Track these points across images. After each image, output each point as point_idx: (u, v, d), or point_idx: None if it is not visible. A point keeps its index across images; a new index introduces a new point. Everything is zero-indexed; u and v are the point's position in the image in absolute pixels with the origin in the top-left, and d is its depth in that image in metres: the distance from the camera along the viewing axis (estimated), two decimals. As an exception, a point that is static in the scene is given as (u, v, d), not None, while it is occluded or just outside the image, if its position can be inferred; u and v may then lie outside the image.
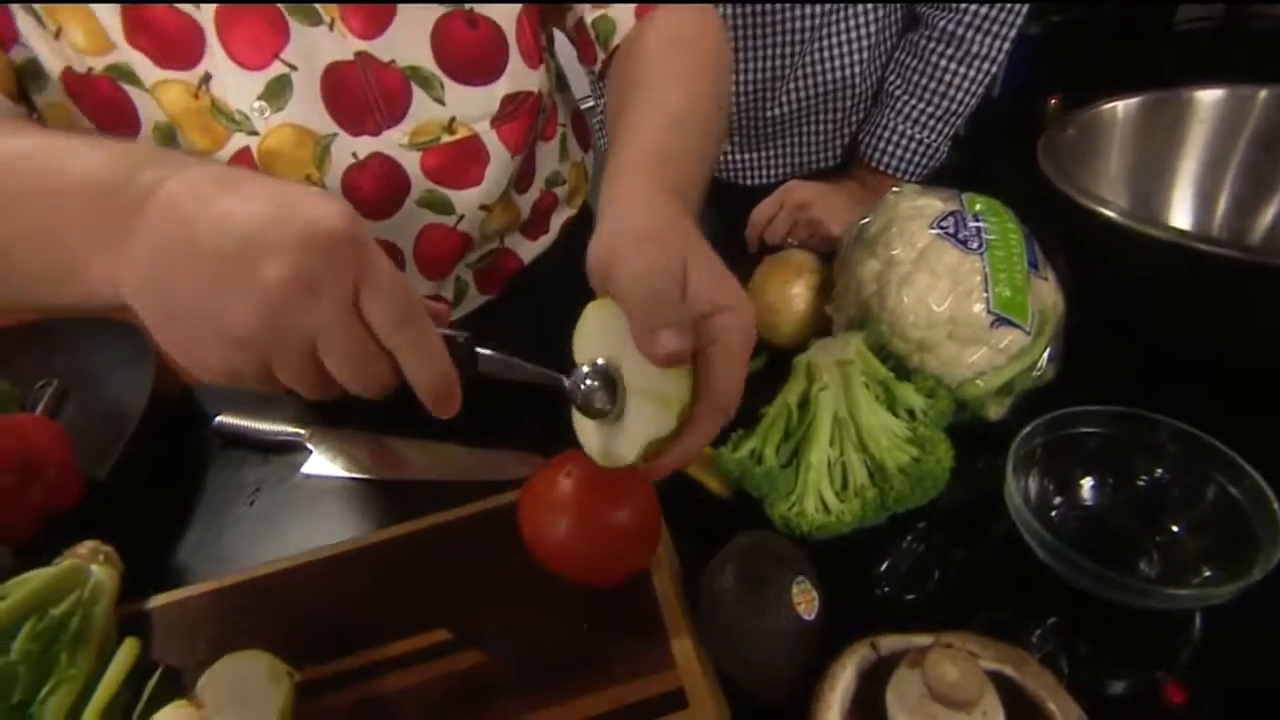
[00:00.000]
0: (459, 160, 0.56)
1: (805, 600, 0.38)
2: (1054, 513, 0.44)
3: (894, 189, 0.56)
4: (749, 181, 0.86)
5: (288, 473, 0.64)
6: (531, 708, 0.38)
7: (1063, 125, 0.58)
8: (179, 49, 0.46)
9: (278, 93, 0.48)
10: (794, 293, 0.61)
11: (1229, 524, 0.39)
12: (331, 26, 0.48)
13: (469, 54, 0.52)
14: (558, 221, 0.70)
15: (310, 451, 0.65)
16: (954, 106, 0.73)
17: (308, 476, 0.63)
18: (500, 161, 0.57)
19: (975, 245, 0.49)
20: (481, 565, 0.47)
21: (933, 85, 0.72)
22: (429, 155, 0.54)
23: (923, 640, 0.35)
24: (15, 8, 0.44)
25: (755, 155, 0.83)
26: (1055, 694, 0.32)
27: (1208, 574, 0.38)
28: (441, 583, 0.47)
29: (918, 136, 0.74)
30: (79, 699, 0.41)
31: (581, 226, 0.73)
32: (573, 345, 0.37)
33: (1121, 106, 0.59)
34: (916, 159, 0.75)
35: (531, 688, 0.39)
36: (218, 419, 0.69)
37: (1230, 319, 0.48)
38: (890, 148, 0.75)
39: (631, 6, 0.54)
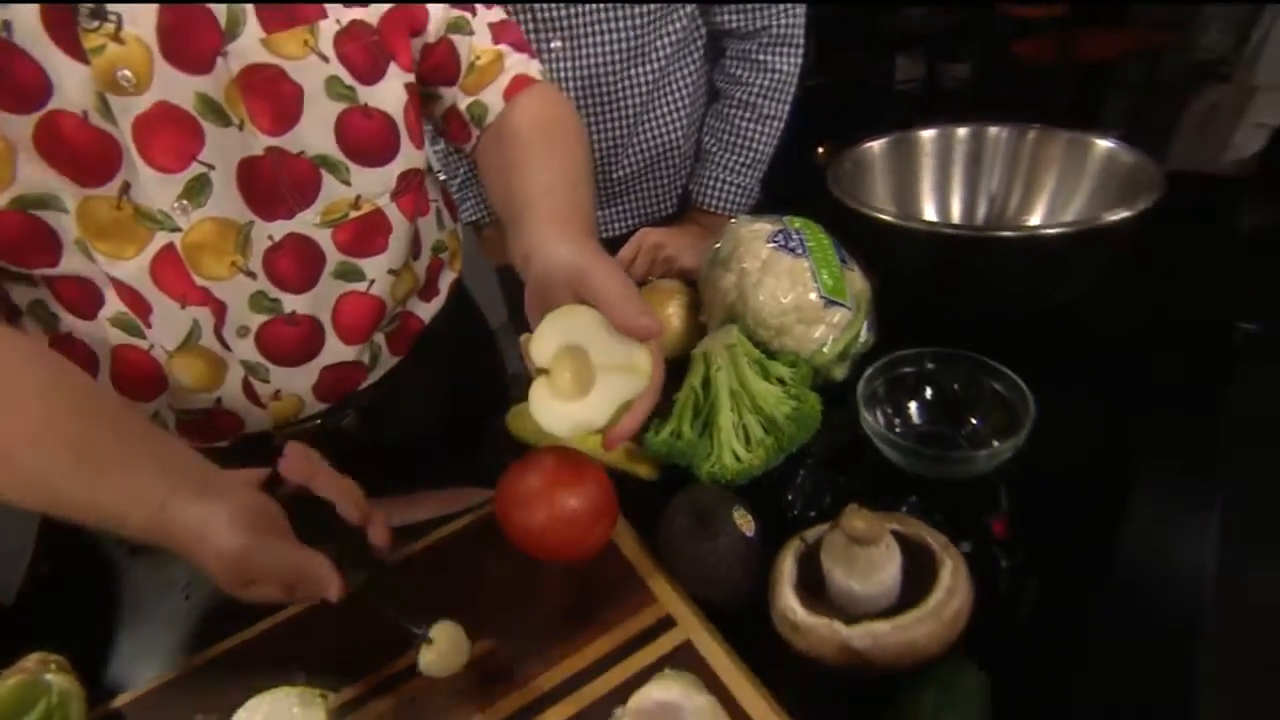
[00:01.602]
0: (366, 232, 0.62)
1: (745, 523, 0.49)
2: (895, 432, 0.60)
3: (731, 221, 0.72)
4: (604, 234, 0.99)
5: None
6: (550, 665, 0.45)
7: (841, 161, 0.77)
8: (97, 164, 0.48)
9: (197, 191, 0.51)
10: (670, 312, 0.73)
11: (1003, 411, 0.56)
12: (241, 127, 0.52)
13: (368, 141, 0.59)
14: (445, 283, 0.78)
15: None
16: (757, 157, 0.92)
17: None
18: (401, 229, 0.64)
19: (800, 251, 0.65)
20: (463, 577, 0.53)
21: (739, 142, 0.91)
22: (340, 231, 0.60)
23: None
24: None
25: (607, 211, 0.97)
26: (931, 534, 0.45)
27: (995, 444, 0.54)
28: (429, 600, 0.51)
29: (735, 182, 0.92)
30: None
31: (462, 287, 0.81)
32: (530, 349, 0.47)
33: (877, 145, 0.80)
34: (737, 199, 0.93)
35: (545, 651, 0.46)
36: None
37: (972, 279, 0.68)
38: (715, 193, 0.93)
39: (500, 90, 0.65)
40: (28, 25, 0.43)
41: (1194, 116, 2.18)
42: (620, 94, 0.88)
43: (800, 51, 0.89)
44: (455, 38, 0.63)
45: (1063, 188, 0.75)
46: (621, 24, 0.83)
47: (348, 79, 0.55)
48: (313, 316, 0.61)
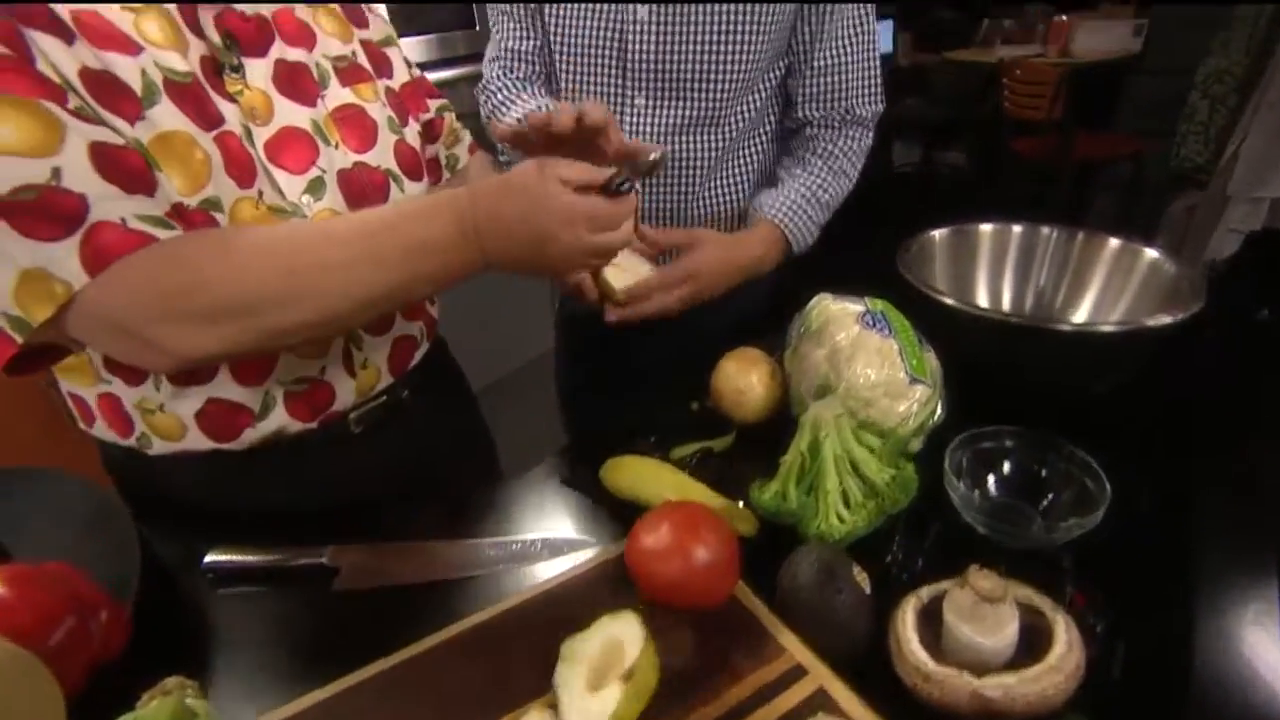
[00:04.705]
0: None
1: (862, 579, 0.54)
2: (977, 503, 0.65)
3: (816, 298, 0.79)
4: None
5: (314, 597, 0.63)
6: (690, 712, 0.48)
7: (907, 246, 0.85)
8: (246, 172, 0.63)
9: (317, 188, 0.68)
10: (753, 379, 0.79)
11: (1076, 489, 0.62)
12: (337, 146, 0.70)
13: (410, 163, 0.77)
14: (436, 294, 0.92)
15: (336, 570, 0.66)
16: (827, 200, 0.99)
17: (340, 594, 0.63)
18: None
19: (887, 332, 0.72)
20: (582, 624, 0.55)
21: (816, 183, 0.97)
22: None
23: (945, 586, 0.52)
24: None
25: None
26: (1038, 596, 0.50)
27: (1072, 521, 0.60)
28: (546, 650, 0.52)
29: (803, 209, 0.97)
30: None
31: None
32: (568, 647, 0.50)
33: (938, 234, 0.89)
34: (800, 223, 0.97)
35: (684, 695, 0.49)
36: (207, 558, 0.67)
37: (1026, 364, 0.75)
38: (783, 208, 0.96)
39: (465, 149, 0.89)
40: (202, 78, 0.61)
41: (1174, 217, 2.36)
42: (691, 156, 0.97)
43: (871, 135, 1.00)
44: (446, 115, 0.87)
45: (1109, 288, 0.84)
46: (703, 92, 0.92)
47: (396, 120, 0.76)
48: None
